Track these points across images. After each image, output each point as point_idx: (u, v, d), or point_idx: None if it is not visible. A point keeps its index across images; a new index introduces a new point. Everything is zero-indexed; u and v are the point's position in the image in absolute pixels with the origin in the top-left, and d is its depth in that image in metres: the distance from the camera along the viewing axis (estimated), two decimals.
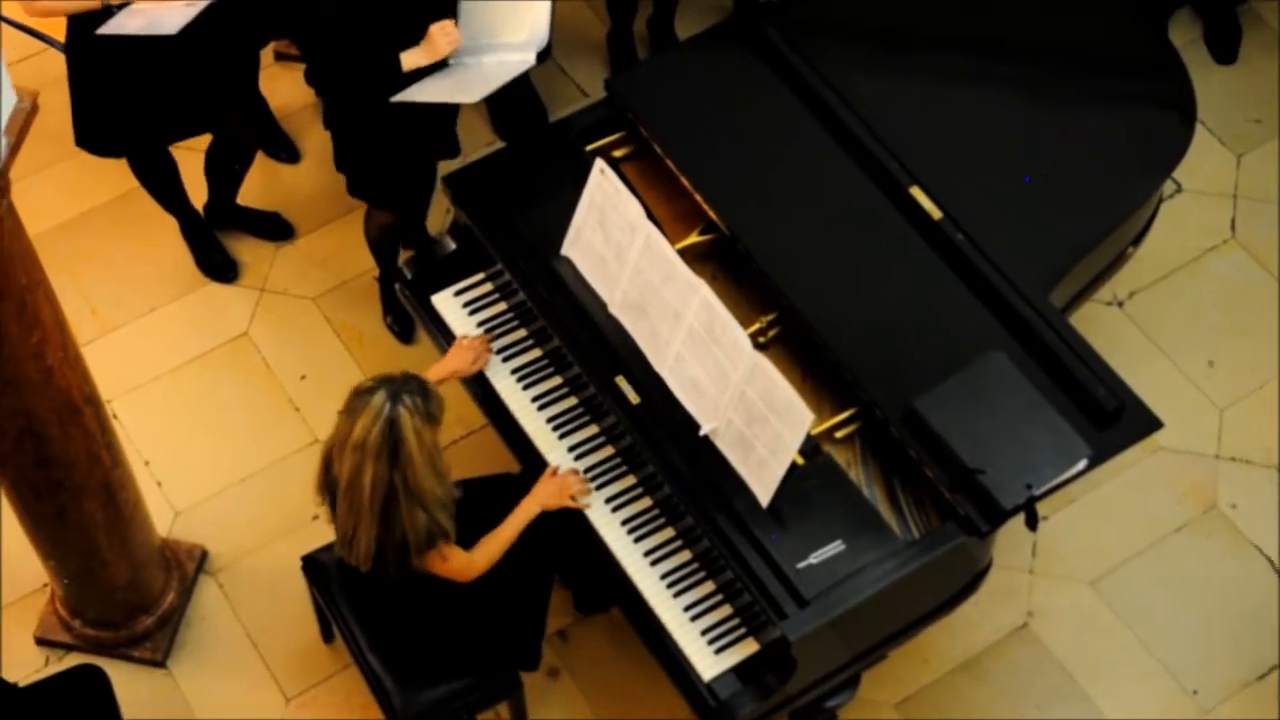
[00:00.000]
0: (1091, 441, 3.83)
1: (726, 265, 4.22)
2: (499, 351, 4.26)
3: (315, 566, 4.19)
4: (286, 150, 5.38)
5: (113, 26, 4.18)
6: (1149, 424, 3.95)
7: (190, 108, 4.63)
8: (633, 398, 3.99)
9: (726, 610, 3.93)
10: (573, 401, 4.20)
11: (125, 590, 4.40)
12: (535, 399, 4.21)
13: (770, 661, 3.83)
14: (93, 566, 4.22)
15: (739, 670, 3.87)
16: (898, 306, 4.06)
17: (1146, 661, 4.61)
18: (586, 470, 4.09)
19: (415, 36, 4.23)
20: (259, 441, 4.92)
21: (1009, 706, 4.55)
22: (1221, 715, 4.54)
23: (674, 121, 4.31)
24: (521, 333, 4.30)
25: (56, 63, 4.58)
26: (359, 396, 3.59)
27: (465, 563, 3.81)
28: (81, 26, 4.29)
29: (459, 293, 4.37)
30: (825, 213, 4.19)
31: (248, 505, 4.82)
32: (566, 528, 4.07)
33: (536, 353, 4.27)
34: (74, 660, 4.45)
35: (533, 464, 4.13)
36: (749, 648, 3.88)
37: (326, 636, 4.53)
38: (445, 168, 4.64)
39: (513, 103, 5.18)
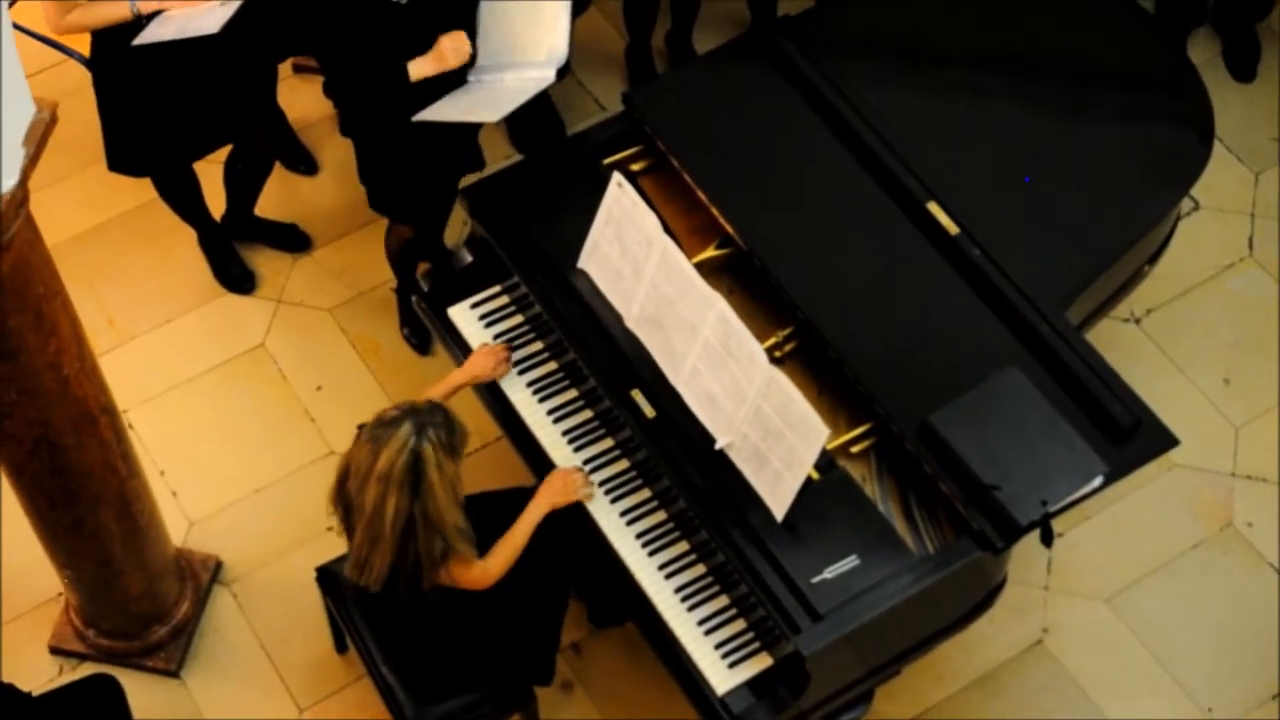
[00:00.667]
0: (1107, 458, 3.82)
1: (743, 279, 4.22)
2: (515, 364, 4.26)
3: (329, 578, 4.20)
4: (305, 162, 5.39)
5: (148, 36, 4.19)
6: (1165, 441, 3.94)
7: (212, 121, 4.65)
8: (648, 411, 3.99)
9: (741, 624, 3.92)
10: (588, 414, 4.20)
11: (140, 600, 4.40)
12: (550, 412, 4.21)
13: (784, 676, 3.82)
14: (108, 576, 4.23)
15: (753, 684, 3.87)
16: (913, 321, 4.06)
17: (1161, 679, 4.60)
18: (601, 483, 4.09)
19: (426, 47, 4.24)
20: (274, 452, 4.92)
21: None
22: None
23: (691, 135, 4.31)
24: (537, 345, 4.30)
25: (75, 74, 4.61)
26: (384, 426, 3.59)
27: (480, 570, 3.82)
28: (109, 44, 4.31)
29: (475, 305, 4.37)
30: (841, 227, 4.19)
31: (263, 516, 4.83)
32: (581, 540, 4.07)
33: (552, 365, 4.27)
34: (88, 670, 4.45)
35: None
36: (763, 662, 3.88)
37: (340, 647, 4.53)
38: (463, 180, 4.65)
39: (531, 116, 5.19)
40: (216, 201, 5.10)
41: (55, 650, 4.59)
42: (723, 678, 3.86)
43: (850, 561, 3.77)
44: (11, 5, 4.62)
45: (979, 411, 3.84)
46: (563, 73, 4.35)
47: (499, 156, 5.30)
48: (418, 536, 3.62)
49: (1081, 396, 3.91)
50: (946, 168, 4.23)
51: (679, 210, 4.32)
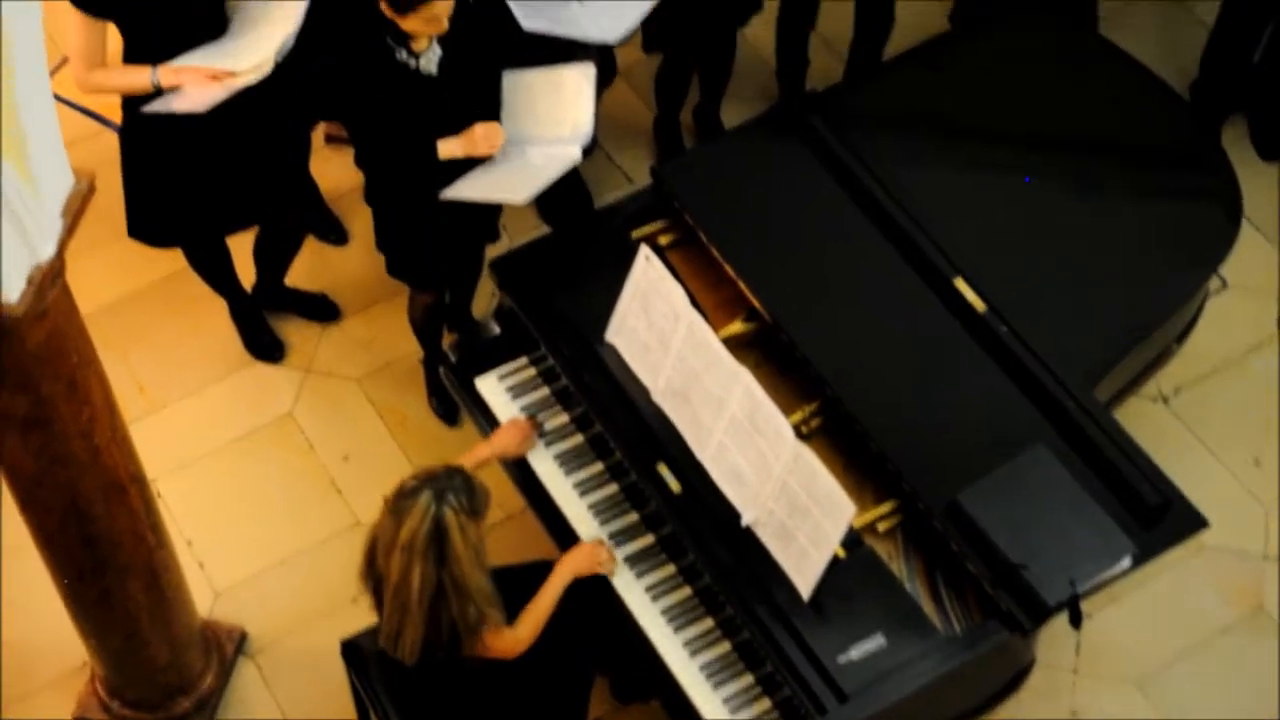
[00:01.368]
0: (1136, 539, 3.80)
1: (770, 354, 4.23)
2: (541, 436, 4.27)
3: (354, 651, 4.18)
4: (335, 232, 5.43)
5: (159, 105, 4.25)
6: (1195, 522, 3.91)
7: (244, 196, 4.68)
8: (674, 485, 3.98)
9: (766, 704, 3.89)
10: (614, 488, 4.19)
11: (165, 671, 4.39)
12: (577, 485, 4.21)
13: None
14: (134, 647, 4.23)
15: None
16: (941, 398, 4.05)
17: None
18: (626, 558, 4.08)
19: (455, 121, 4.29)
20: (300, 523, 4.93)
21: None
22: None
23: (719, 209, 4.33)
24: (564, 418, 4.31)
25: (112, 143, 4.65)
26: (404, 498, 3.60)
27: (511, 639, 3.81)
28: (137, 112, 4.37)
29: (503, 377, 4.38)
30: (868, 302, 4.20)
31: (288, 587, 4.83)
32: (605, 614, 4.05)
33: (579, 438, 4.28)
34: None
35: None
36: None
37: None
38: (492, 251, 4.68)
39: (559, 189, 5.20)
40: (247, 270, 5.14)
41: None
42: None
43: (876, 641, 3.75)
44: (54, 73, 4.68)
45: (1007, 490, 3.82)
46: (589, 150, 4.37)
47: (527, 228, 5.33)
48: (449, 605, 3.62)
49: (1110, 476, 3.89)
50: (974, 243, 4.24)
51: (706, 284, 4.33)
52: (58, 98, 4.42)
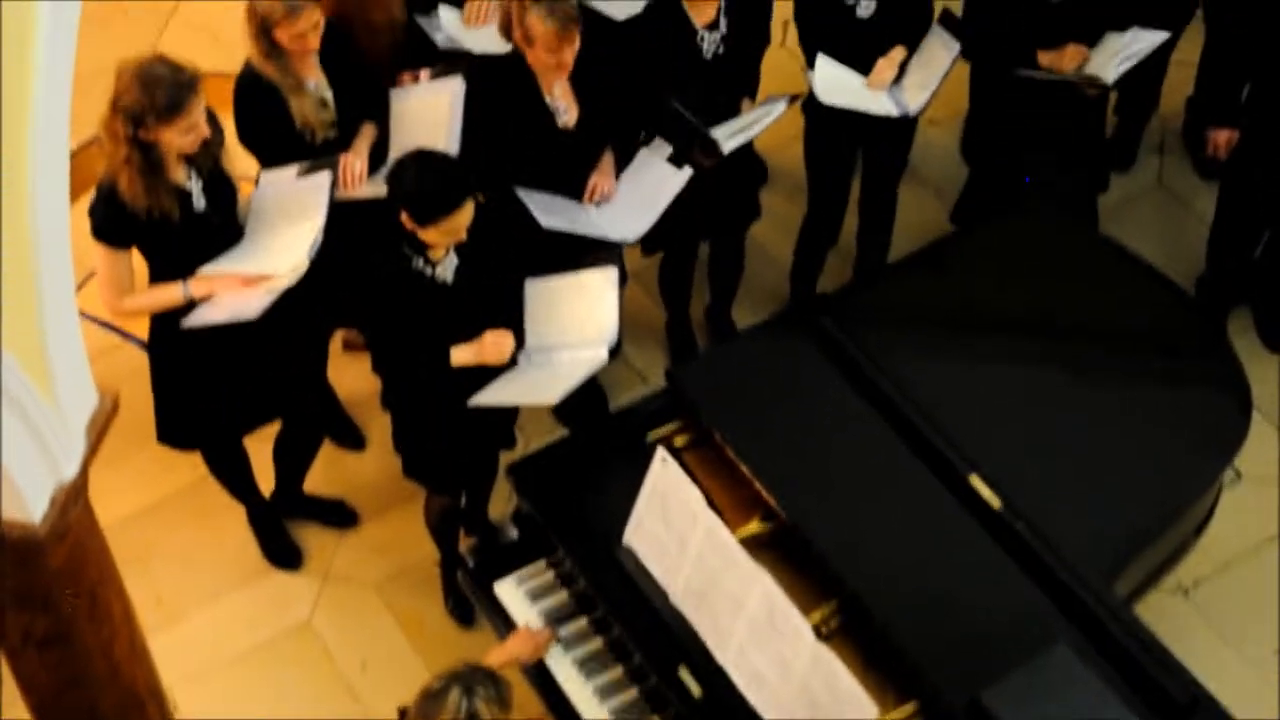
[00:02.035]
0: None
1: (787, 553, 4.23)
2: (560, 640, 4.25)
3: None
4: (352, 438, 5.48)
5: (196, 319, 4.33)
6: None
7: (264, 395, 4.75)
8: (695, 690, 3.96)
9: None
10: (634, 693, 4.16)
11: None
12: (597, 690, 4.18)
13: None
14: None
15: None
16: (959, 596, 4.04)
17: None
18: None
19: (471, 328, 4.36)
20: None
21: None
22: None
23: (734, 410, 4.38)
24: (583, 621, 4.29)
25: (133, 356, 4.73)
26: (432, 700, 3.54)
27: None
28: (165, 324, 4.45)
29: (521, 581, 4.38)
30: (884, 500, 4.21)
31: None
32: None
33: (598, 642, 4.26)
34: None
35: None
36: None
37: None
38: (510, 455, 4.72)
39: (575, 390, 5.29)
40: (266, 477, 5.17)
41: None
42: None
43: None
44: (79, 289, 4.78)
45: (1030, 690, 3.79)
46: (614, 352, 4.43)
47: (543, 431, 5.38)
48: None
49: (1134, 674, 3.86)
50: (987, 439, 4.26)
51: (723, 484, 4.36)
52: (81, 314, 4.53)
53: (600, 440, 4.52)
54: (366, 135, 4.77)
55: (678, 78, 4.90)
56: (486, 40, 4.98)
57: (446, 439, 4.61)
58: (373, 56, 4.83)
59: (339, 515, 5.33)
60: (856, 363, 4.42)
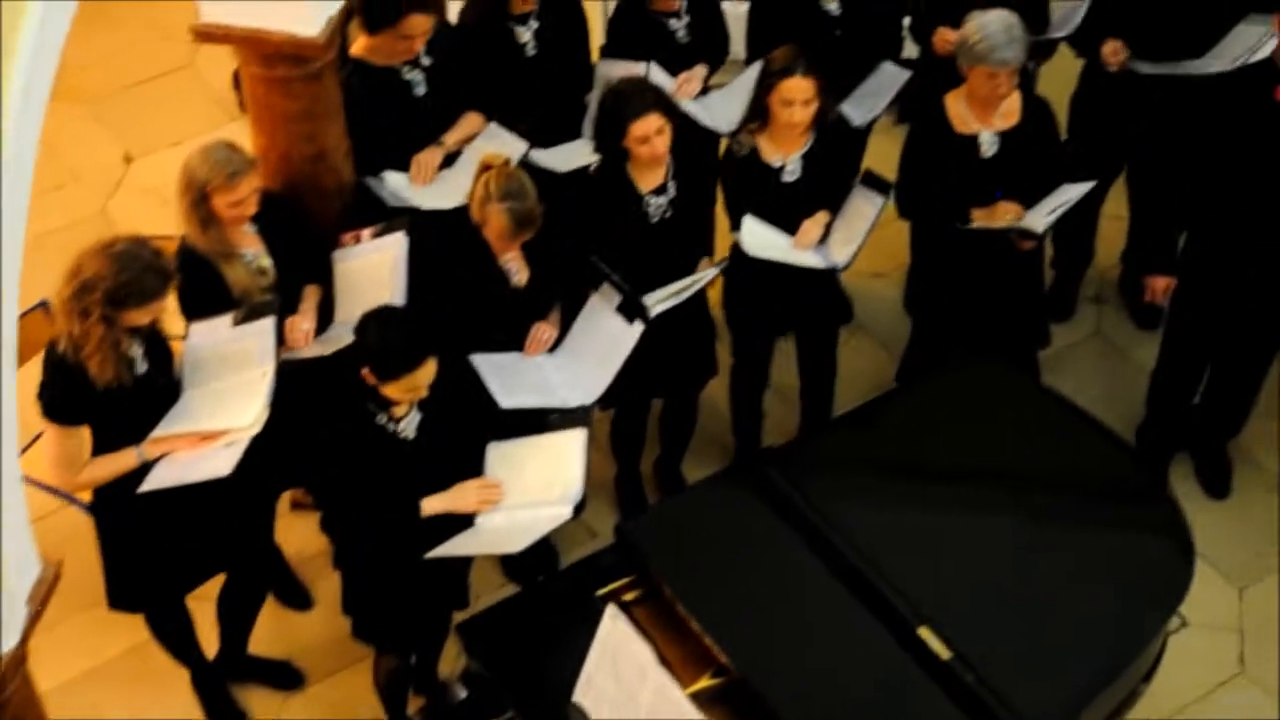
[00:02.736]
0: None
1: (739, 708, 4.20)
2: None
3: None
4: (299, 597, 5.43)
5: (154, 482, 4.29)
6: None
7: (209, 550, 4.71)
8: None
9: None
10: None
11: None
12: None
13: None
14: None
15: None
16: None
17: None
18: None
19: (436, 489, 4.36)
20: None
21: None
22: None
23: (683, 565, 4.38)
24: None
25: (74, 518, 4.69)
26: None
27: None
28: (110, 488, 4.42)
29: None
30: (836, 654, 4.22)
31: None
32: None
33: None
34: None
35: None
36: None
37: None
38: (457, 614, 4.68)
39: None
40: (210, 641, 5.10)
41: None
42: None
43: None
44: (23, 453, 4.75)
45: None
46: (579, 509, 4.43)
47: (492, 587, 5.34)
48: None
49: None
50: (936, 590, 4.28)
51: (673, 639, 4.34)
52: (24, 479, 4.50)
53: (550, 597, 4.50)
54: (311, 296, 4.81)
55: (624, 242, 4.97)
56: (433, 197, 5.06)
57: (400, 599, 4.58)
58: (323, 221, 4.89)
59: (285, 676, 5.25)
60: (805, 516, 4.45)
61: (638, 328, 4.86)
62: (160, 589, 4.74)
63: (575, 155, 5.35)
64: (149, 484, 4.29)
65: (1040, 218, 5.06)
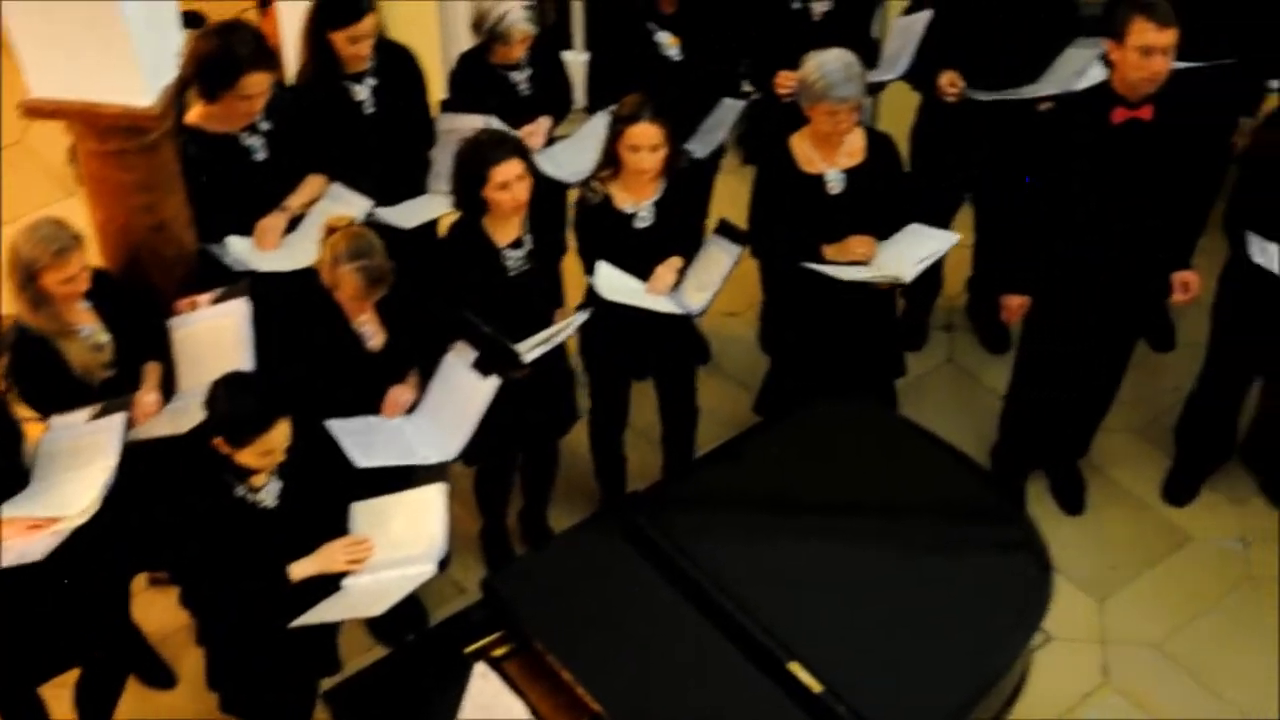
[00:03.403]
0: None
1: None
2: None
3: None
4: (162, 676, 5.31)
5: None
6: None
7: (62, 641, 4.59)
8: None
9: None
10: None
11: None
12: None
13: None
14: None
15: None
16: None
17: None
18: None
19: (299, 555, 4.31)
20: None
21: None
22: None
23: (553, 617, 4.36)
24: None
25: None
26: None
27: None
28: None
29: None
30: (710, 695, 4.22)
31: None
32: None
33: None
34: None
35: None
36: None
37: None
38: (324, 681, 4.62)
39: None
40: None
41: None
42: None
43: None
44: None
45: None
46: (444, 564, 4.39)
47: (361, 649, 5.28)
48: None
49: None
50: (804, 625, 4.31)
51: (546, 691, 4.31)
52: None
53: (419, 657, 4.46)
54: (154, 371, 4.74)
55: (483, 297, 4.96)
56: (278, 262, 5.01)
57: (267, 670, 4.50)
58: (166, 292, 4.82)
59: None
60: (672, 559, 4.46)
61: (493, 382, 4.86)
62: (10, 680, 4.60)
63: (420, 211, 5.35)
64: None
65: (909, 267, 5.15)
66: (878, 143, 5.29)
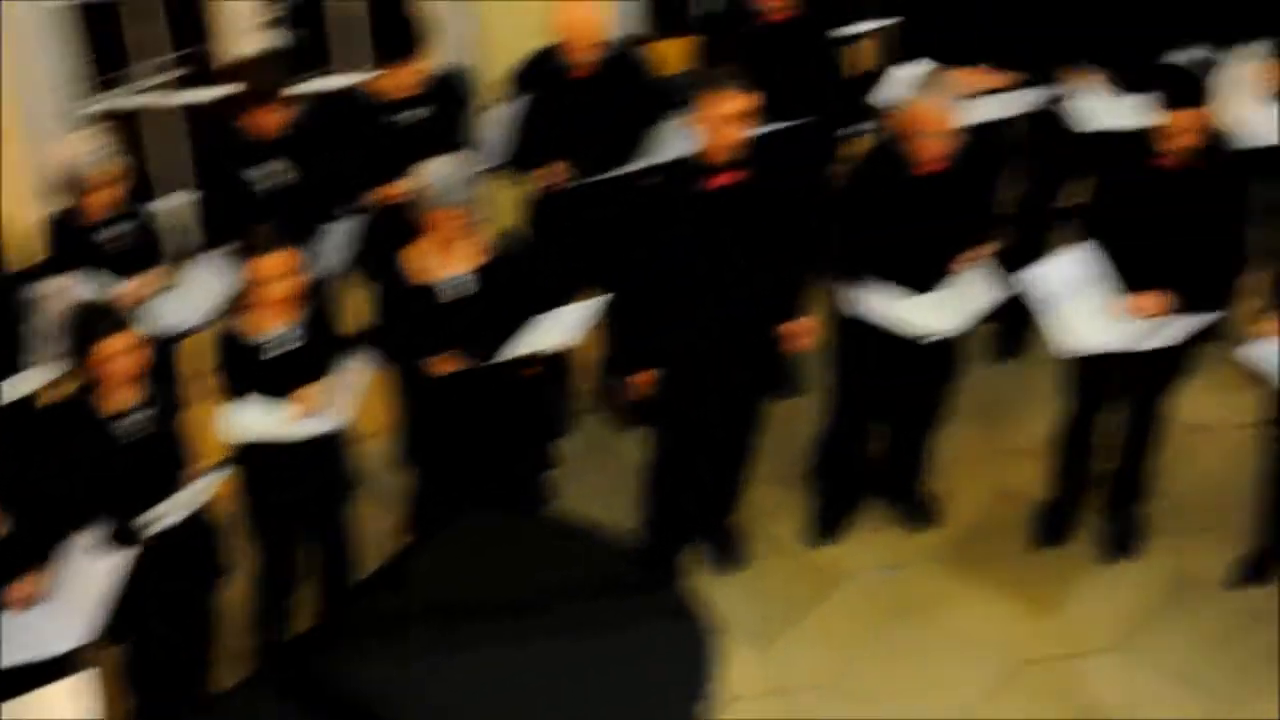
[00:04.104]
0: None
1: None
2: None
3: None
4: None
5: None
6: None
7: None
8: None
9: None
10: None
11: None
12: None
13: None
14: None
15: None
16: None
17: None
18: None
19: None
20: None
21: None
22: None
23: None
24: None
25: None
26: None
27: None
28: None
29: None
30: None
31: None
32: None
33: None
34: None
35: None
36: None
37: None
38: None
39: None
40: None
41: None
42: None
43: None
44: None
45: None
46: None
47: None
48: None
49: None
50: None
51: None
52: None
53: None
54: None
55: (93, 470, 4.79)
56: None
57: None
58: None
59: None
60: (342, 701, 4.33)
61: (116, 560, 4.68)
62: None
63: (20, 385, 5.18)
64: None
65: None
66: (499, 241, 5.39)
